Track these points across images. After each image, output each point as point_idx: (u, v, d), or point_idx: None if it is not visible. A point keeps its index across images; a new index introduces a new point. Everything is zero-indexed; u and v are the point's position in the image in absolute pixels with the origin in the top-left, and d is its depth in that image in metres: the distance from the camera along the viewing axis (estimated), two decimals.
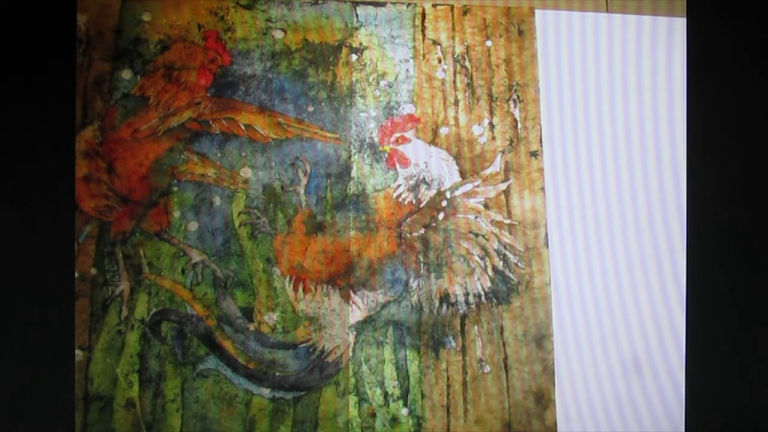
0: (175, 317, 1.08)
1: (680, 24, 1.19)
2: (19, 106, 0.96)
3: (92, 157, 1.10)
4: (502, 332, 1.12)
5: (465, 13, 1.19)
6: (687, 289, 1.07)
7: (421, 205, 1.14)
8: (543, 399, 1.11)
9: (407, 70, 1.17)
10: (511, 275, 1.14)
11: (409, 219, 1.14)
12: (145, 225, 1.09)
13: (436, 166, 1.15)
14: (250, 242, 1.11)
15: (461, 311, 1.12)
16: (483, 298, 1.13)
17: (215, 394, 1.07)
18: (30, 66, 0.97)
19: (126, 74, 1.12)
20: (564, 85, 1.19)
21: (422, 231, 1.14)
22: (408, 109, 1.16)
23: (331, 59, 1.16)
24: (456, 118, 1.16)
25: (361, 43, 1.17)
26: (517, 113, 1.17)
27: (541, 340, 1.12)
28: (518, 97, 1.18)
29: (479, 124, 1.17)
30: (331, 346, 1.10)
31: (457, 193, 1.15)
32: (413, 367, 1.11)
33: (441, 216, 1.14)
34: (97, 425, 1.05)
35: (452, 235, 1.14)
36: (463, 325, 1.12)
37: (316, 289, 1.11)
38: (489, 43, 1.19)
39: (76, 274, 1.07)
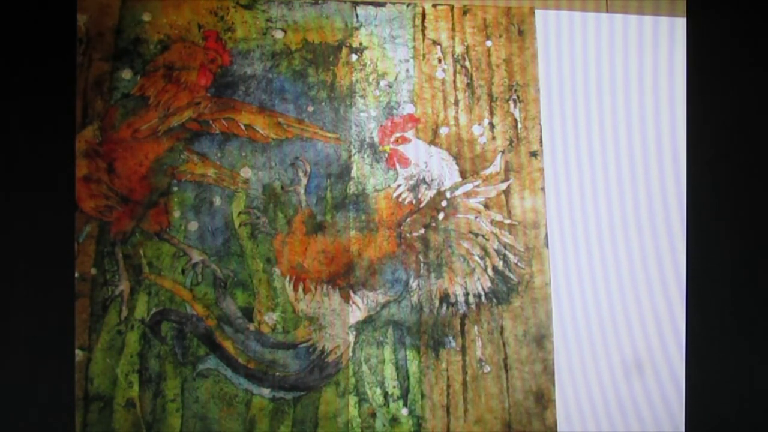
0: (175, 317, 1.08)
1: (680, 24, 1.19)
2: (19, 106, 0.96)
3: (92, 157, 1.10)
4: (502, 332, 1.12)
5: (465, 13, 1.19)
6: (687, 288, 1.07)
7: (421, 205, 1.14)
8: (543, 399, 1.11)
9: (407, 70, 1.17)
10: (511, 275, 1.14)
11: (409, 219, 1.14)
12: (145, 225, 1.09)
13: (436, 166, 1.15)
14: (250, 242, 1.11)
15: (461, 311, 1.12)
16: (483, 298, 1.13)
17: (215, 394, 1.07)
18: (30, 66, 0.97)
19: (126, 74, 1.12)
20: (564, 85, 1.19)
21: (422, 231, 1.14)
22: (408, 109, 1.16)
23: (331, 59, 1.16)
24: (456, 118, 1.16)
25: (361, 43, 1.17)
26: (517, 113, 1.17)
27: (541, 340, 1.12)
28: (518, 97, 1.18)
29: (479, 124, 1.17)
30: (331, 346, 1.10)
31: (457, 193, 1.15)
32: (413, 367, 1.11)
33: (441, 216, 1.14)
34: (97, 425, 1.05)
35: (452, 235, 1.14)
36: (463, 325, 1.12)
37: (316, 289, 1.11)
38: (489, 43, 1.19)
39: (76, 274, 1.07)
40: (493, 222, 1.15)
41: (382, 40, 1.17)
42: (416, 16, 1.18)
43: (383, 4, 1.18)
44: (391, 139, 1.15)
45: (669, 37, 1.19)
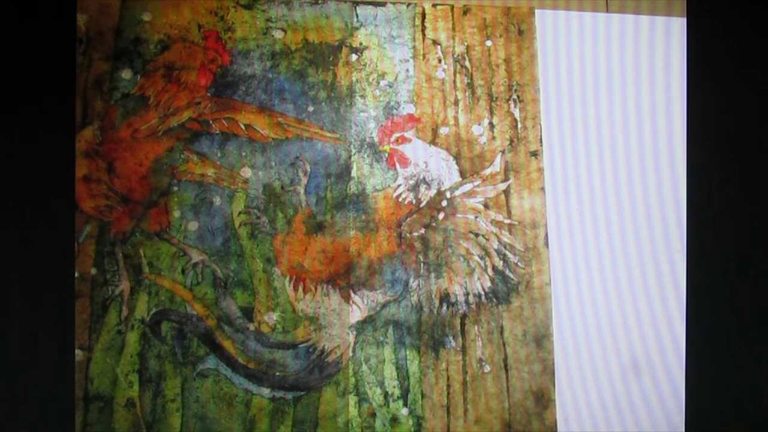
0: (175, 317, 1.08)
1: (679, 24, 1.19)
2: (20, 106, 0.96)
3: (92, 157, 1.10)
4: (502, 332, 1.12)
5: (465, 13, 1.19)
6: (687, 289, 1.07)
7: (421, 205, 1.14)
8: (543, 399, 1.11)
9: (407, 70, 1.17)
10: (511, 275, 1.14)
11: (409, 219, 1.14)
12: (145, 225, 1.09)
13: (436, 166, 1.15)
14: (250, 242, 1.11)
15: (461, 311, 1.12)
16: (483, 298, 1.13)
17: (215, 393, 1.07)
18: (30, 66, 0.97)
19: (126, 74, 1.12)
20: (564, 85, 1.19)
21: (422, 231, 1.14)
22: (408, 109, 1.16)
23: (331, 59, 1.16)
24: (456, 118, 1.16)
25: (361, 43, 1.17)
26: (517, 113, 1.17)
27: (541, 340, 1.13)
28: (518, 97, 1.18)
29: (479, 124, 1.17)
30: (331, 346, 1.10)
31: (457, 193, 1.15)
32: (413, 367, 1.11)
33: (441, 216, 1.14)
34: (97, 425, 1.05)
35: (452, 235, 1.14)
36: (463, 325, 1.12)
37: (316, 289, 1.11)
38: (489, 43, 1.19)
39: (76, 274, 1.07)
40: (493, 222, 1.15)
41: (382, 40, 1.17)
42: (416, 16, 1.18)
43: (383, 4, 1.18)
44: (391, 139, 1.15)
45: (667, 37, 1.19)
